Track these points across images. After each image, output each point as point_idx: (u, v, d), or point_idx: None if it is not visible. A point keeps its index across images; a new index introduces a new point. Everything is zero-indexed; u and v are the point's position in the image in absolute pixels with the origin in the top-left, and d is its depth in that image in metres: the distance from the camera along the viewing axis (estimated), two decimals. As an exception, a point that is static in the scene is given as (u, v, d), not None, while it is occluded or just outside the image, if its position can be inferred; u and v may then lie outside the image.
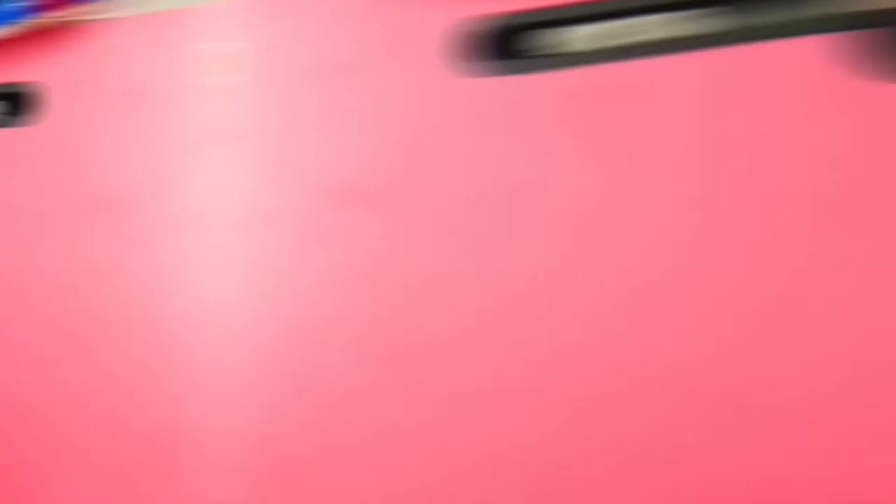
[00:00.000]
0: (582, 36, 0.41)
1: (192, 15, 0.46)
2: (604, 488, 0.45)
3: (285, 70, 0.45)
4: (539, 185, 0.43)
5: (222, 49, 0.45)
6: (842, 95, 0.41)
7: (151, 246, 0.46)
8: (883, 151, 0.41)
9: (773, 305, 0.43)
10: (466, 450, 0.44)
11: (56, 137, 0.47)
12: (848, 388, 0.43)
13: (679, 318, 0.44)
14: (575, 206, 0.43)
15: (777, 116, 0.41)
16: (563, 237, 0.43)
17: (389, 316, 0.45)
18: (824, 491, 0.43)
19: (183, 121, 0.46)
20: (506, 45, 0.44)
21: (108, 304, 0.46)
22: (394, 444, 0.44)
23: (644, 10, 0.42)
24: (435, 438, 0.45)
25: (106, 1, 0.40)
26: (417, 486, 0.44)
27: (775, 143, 0.42)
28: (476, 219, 0.44)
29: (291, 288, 0.45)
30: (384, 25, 0.43)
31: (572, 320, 0.44)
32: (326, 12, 0.44)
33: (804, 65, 0.40)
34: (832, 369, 0.44)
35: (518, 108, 0.43)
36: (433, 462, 0.44)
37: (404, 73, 0.44)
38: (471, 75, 0.42)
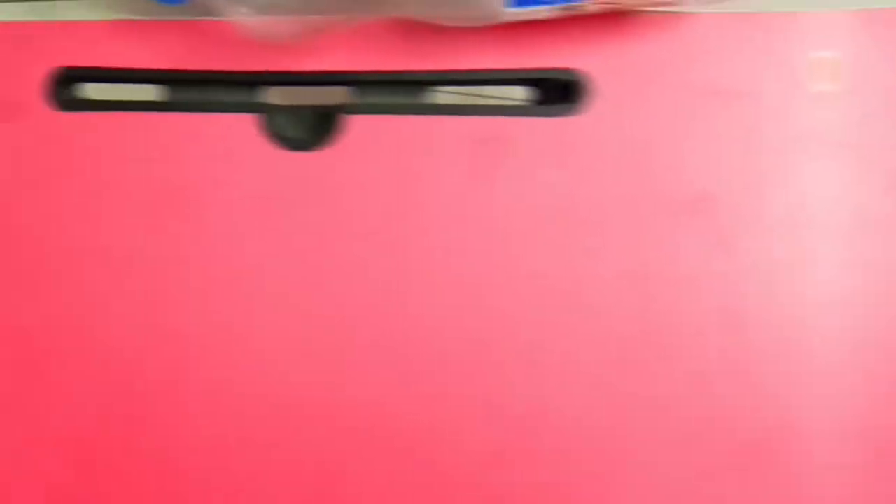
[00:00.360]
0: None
1: (789, 20, 0.46)
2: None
3: (886, 81, 0.45)
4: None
5: (823, 57, 0.45)
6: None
7: (740, 248, 0.46)
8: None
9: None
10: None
11: (611, 130, 0.45)
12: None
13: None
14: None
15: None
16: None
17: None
18: None
19: (777, 124, 0.45)
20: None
21: (687, 306, 0.46)
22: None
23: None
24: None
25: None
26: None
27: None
28: None
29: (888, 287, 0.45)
30: None
31: None
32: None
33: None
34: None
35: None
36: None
37: None
38: None
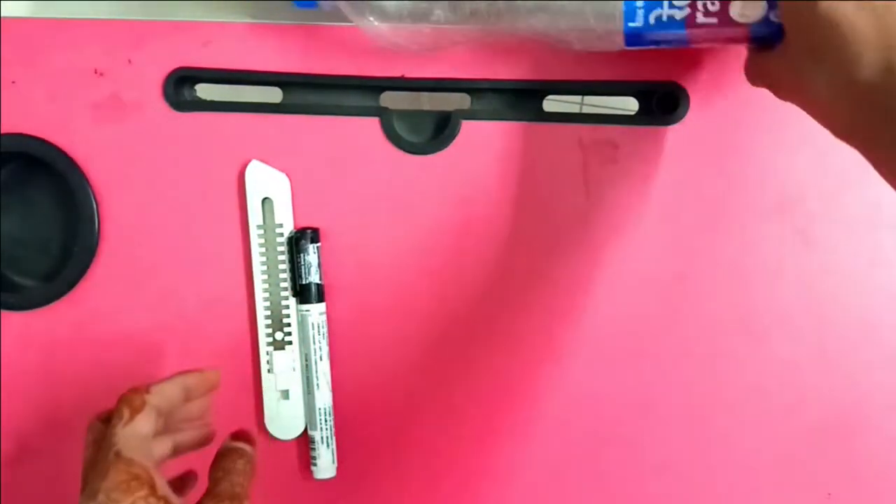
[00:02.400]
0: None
1: None
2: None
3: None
4: None
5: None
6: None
7: (821, 246, 0.50)
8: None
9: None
10: None
11: (706, 139, 0.50)
12: None
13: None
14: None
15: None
16: None
17: None
18: None
19: None
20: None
21: (776, 301, 0.50)
22: None
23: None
24: None
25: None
26: None
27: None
28: None
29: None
30: None
31: None
32: None
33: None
34: None
35: None
36: None
37: None
38: None
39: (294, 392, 0.51)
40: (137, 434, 0.40)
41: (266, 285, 0.51)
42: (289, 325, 0.51)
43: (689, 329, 0.51)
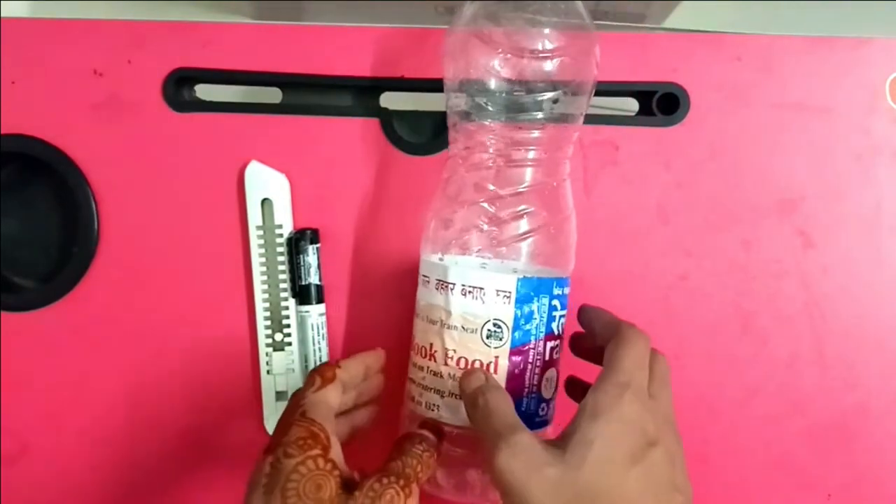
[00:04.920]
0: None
1: (867, 44, 0.51)
2: None
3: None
4: None
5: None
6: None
7: (821, 247, 0.51)
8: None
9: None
10: None
11: (706, 139, 0.50)
12: None
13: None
14: None
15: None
16: None
17: None
18: None
19: (855, 136, 0.51)
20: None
21: (775, 300, 0.51)
22: None
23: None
24: None
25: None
26: None
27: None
28: None
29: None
30: None
31: None
32: None
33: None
34: None
35: None
36: None
37: None
38: None
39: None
40: (325, 401, 0.41)
41: (265, 286, 0.51)
42: (288, 325, 0.51)
43: (689, 329, 0.51)
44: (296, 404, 0.40)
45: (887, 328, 0.50)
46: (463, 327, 0.42)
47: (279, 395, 0.51)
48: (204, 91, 0.53)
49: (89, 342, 0.52)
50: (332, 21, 0.50)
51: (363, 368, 0.45)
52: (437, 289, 0.43)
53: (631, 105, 0.52)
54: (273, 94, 0.52)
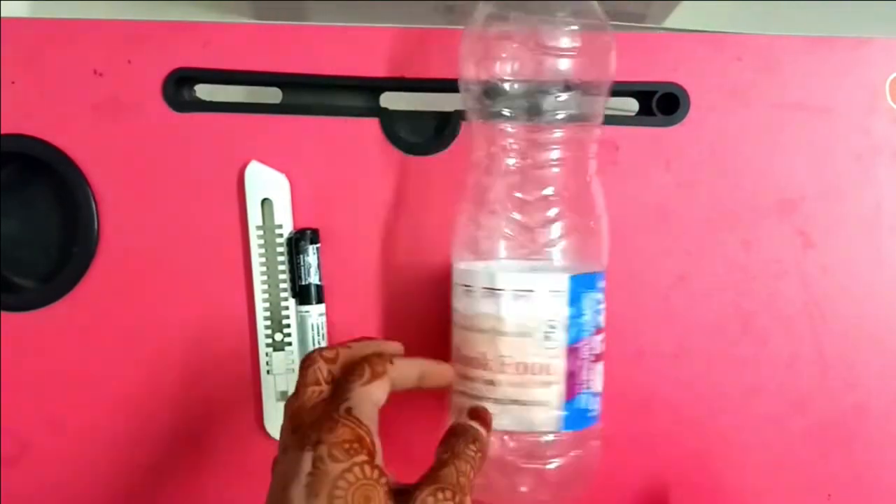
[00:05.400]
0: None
1: (867, 44, 0.51)
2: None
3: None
4: None
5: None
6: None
7: (821, 246, 0.51)
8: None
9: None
10: None
11: (706, 139, 0.50)
12: None
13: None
14: None
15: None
16: None
17: None
18: None
19: (855, 136, 0.51)
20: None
21: (775, 300, 0.51)
22: None
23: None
24: None
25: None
26: None
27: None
28: None
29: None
30: None
31: None
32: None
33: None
34: None
35: None
36: None
37: None
38: None
39: (294, 393, 0.51)
40: (371, 397, 0.38)
41: (265, 286, 0.51)
42: (288, 326, 0.51)
43: (689, 329, 0.51)
44: (340, 397, 0.38)
45: (887, 328, 0.50)
46: (518, 332, 0.42)
47: (280, 395, 0.51)
48: (204, 91, 0.53)
49: (89, 342, 0.52)
50: (332, 21, 0.50)
51: (417, 374, 0.42)
52: (483, 296, 0.43)
53: (631, 105, 0.52)
54: (273, 94, 0.52)
